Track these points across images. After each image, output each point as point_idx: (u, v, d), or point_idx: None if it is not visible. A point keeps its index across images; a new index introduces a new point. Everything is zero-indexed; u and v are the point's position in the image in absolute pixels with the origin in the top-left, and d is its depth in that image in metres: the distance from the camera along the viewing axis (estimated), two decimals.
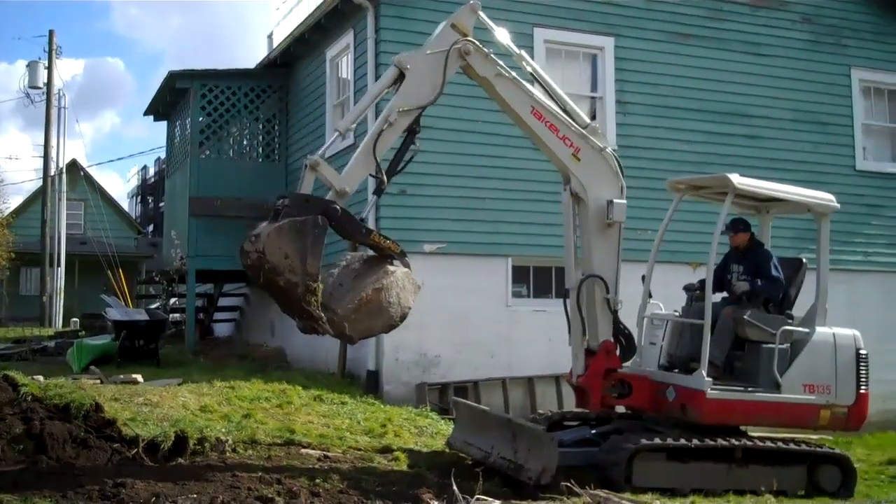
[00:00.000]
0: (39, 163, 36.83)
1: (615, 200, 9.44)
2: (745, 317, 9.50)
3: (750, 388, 9.32)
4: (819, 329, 9.69)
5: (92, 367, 14.04)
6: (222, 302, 21.35)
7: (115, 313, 16.89)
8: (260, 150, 19.50)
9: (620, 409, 10.09)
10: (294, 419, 10.76)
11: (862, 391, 9.65)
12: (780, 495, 8.83)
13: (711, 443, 8.89)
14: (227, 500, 6.78)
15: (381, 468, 9.02)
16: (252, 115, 19.06)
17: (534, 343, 14.24)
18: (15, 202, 50.50)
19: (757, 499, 8.94)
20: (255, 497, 6.98)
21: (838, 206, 10.10)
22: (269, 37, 21.54)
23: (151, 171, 51.14)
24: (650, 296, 10.45)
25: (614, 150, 9.74)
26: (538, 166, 14.46)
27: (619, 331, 9.60)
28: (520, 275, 14.95)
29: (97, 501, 6.69)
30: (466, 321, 13.98)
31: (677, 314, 10.26)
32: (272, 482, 7.63)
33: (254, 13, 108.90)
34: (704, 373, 9.08)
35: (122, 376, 12.46)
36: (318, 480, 7.96)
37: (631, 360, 9.91)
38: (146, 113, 23.19)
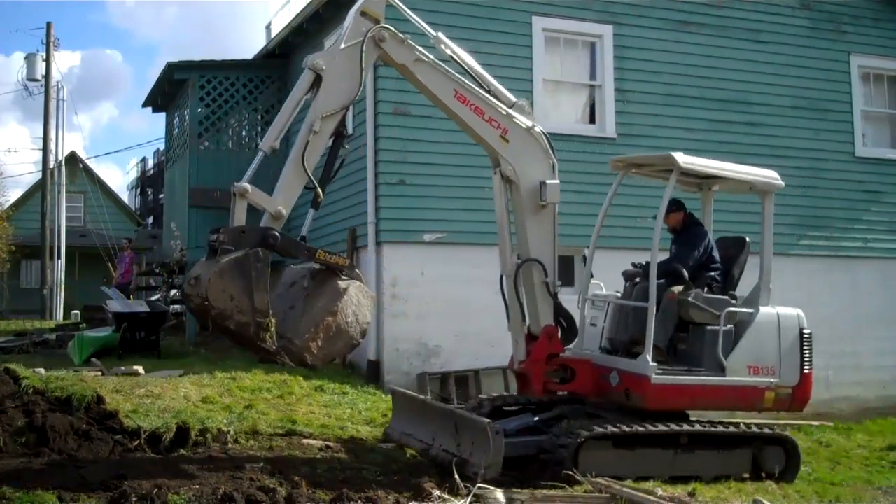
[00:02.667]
0: (38, 155, 36.82)
1: (548, 181, 9.20)
2: (689, 299, 9.34)
3: (695, 372, 9.20)
4: (763, 309, 9.55)
5: (93, 360, 14.04)
6: None
7: (115, 305, 16.89)
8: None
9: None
10: (295, 410, 10.79)
11: (805, 371, 9.53)
12: (725, 479, 8.88)
13: (664, 428, 8.78)
14: (230, 490, 6.80)
15: (383, 458, 9.04)
16: (251, 106, 19.04)
17: None
18: (14, 195, 50.47)
19: (759, 484, 9.00)
20: (258, 487, 7.00)
21: (782, 184, 9.96)
22: (268, 27, 21.49)
23: (151, 163, 51.15)
24: (591, 276, 10.34)
25: (543, 130, 9.44)
26: None
27: (561, 314, 9.43)
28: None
29: (99, 493, 6.72)
30: (466, 311, 13.96)
31: (619, 295, 10.14)
32: (274, 473, 7.67)
33: (251, 4, 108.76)
34: (649, 357, 8.93)
35: (123, 368, 12.48)
36: (319, 470, 7.99)
37: (575, 343, 9.80)
38: (145, 104, 23.17)
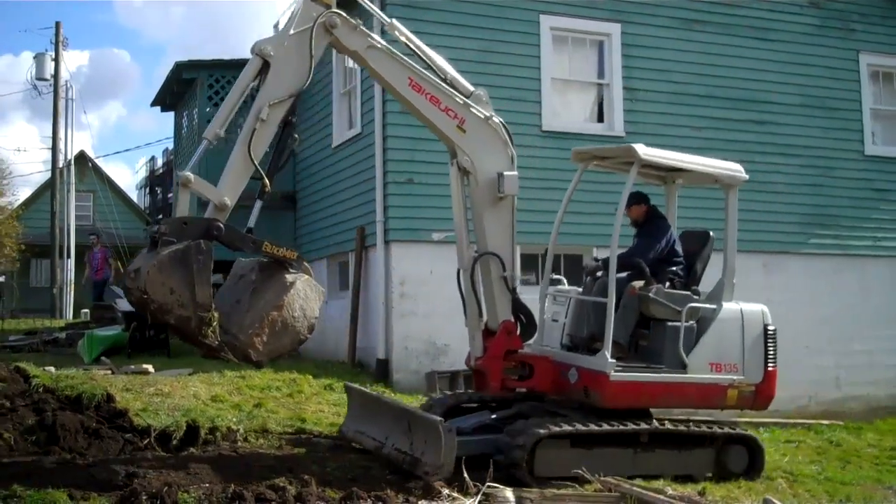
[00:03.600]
0: (47, 154, 36.94)
1: (506, 172, 8.98)
2: (649, 294, 9.08)
3: (655, 369, 8.96)
4: (726, 305, 9.31)
5: (103, 358, 14.08)
6: None
7: (124, 304, 16.91)
8: None
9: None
10: (305, 408, 10.81)
11: (770, 368, 9.28)
12: (686, 479, 8.70)
13: (620, 427, 8.54)
14: (240, 489, 6.80)
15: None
16: None
17: None
18: (24, 194, 50.64)
19: (769, 483, 9.00)
20: (267, 486, 7.01)
21: (746, 177, 9.68)
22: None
23: (160, 162, 51.14)
24: (552, 272, 10.14)
25: (501, 120, 9.17)
26: (547, 154, 14.51)
27: (519, 310, 9.18)
28: (528, 263, 14.94)
29: (109, 491, 6.72)
30: None
31: (580, 291, 9.92)
32: (284, 471, 7.67)
33: (258, 3, 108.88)
34: (608, 353, 8.64)
35: (133, 367, 12.51)
36: (329, 469, 8.00)
37: (532, 339, 9.55)
38: (153, 104, 23.25)
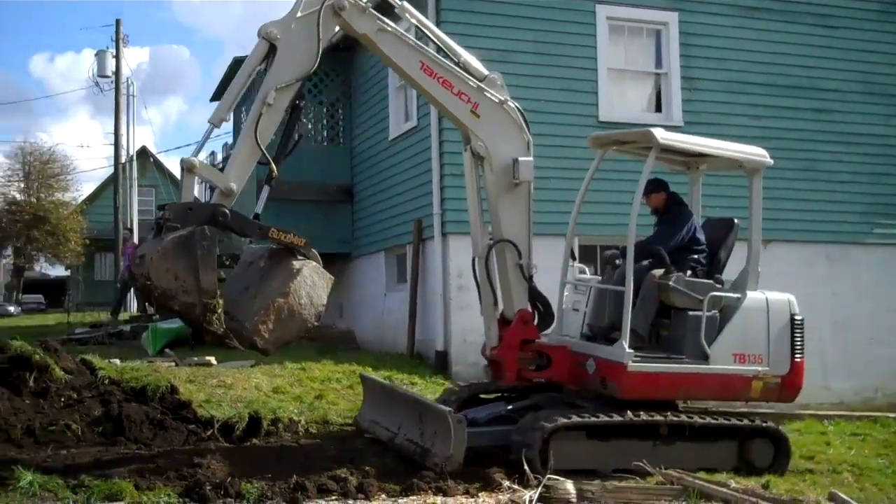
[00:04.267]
0: (110, 150, 37.64)
1: (520, 158, 8.73)
2: (669, 283, 8.82)
3: (675, 359, 8.73)
4: (751, 294, 9.00)
5: (167, 350, 14.29)
6: None
7: None
8: (325, 133, 19.64)
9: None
10: None
11: (797, 359, 9.00)
12: (710, 472, 8.36)
13: (633, 418, 8.26)
14: (301, 480, 6.89)
15: None
16: (315, 100, 19.17)
17: None
18: (87, 189, 51.58)
19: (835, 476, 8.86)
20: (329, 477, 7.08)
21: (771, 161, 9.31)
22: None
23: (219, 157, 51.74)
24: (574, 258, 9.93)
25: (517, 105, 8.92)
26: None
27: (536, 298, 8.98)
28: (586, 254, 14.87)
29: (174, 482, 6.85)
30: None
31: (600, 279, 9.75)
32: (345, 462, 7.74)
33: None
34: (625, 344, 8.40)
35: (195, 359, 12.67)
36: (389, 460, 8.05)
37: (551, 329, 9.34)
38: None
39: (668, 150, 9.19)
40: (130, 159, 35.99)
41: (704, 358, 8.66)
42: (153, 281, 6.99)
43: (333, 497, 6.81)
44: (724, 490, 7.19)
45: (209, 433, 8.94)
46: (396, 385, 9.62)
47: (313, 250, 7.91)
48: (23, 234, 44.37)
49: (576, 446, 8.09)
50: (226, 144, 46.28)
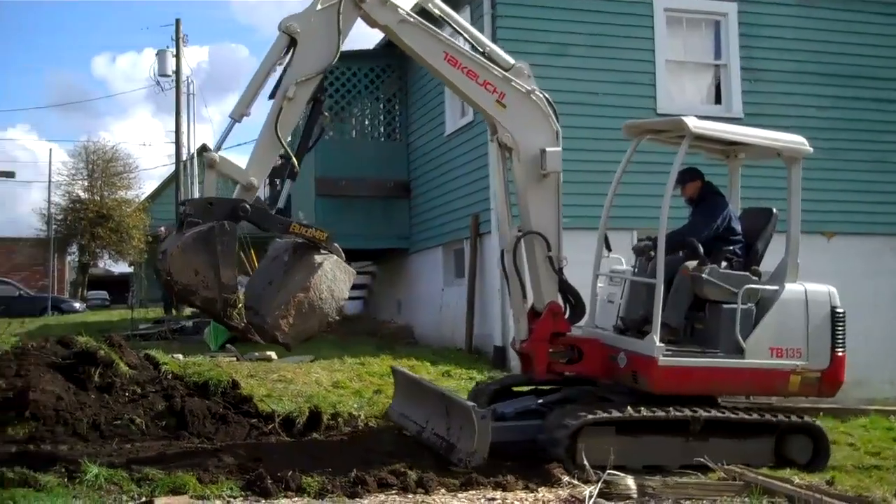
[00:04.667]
0: (171, 148, 38.13)
1: (548, 149, 8.53)
2: (703, 275, 8.55)
3: (709, 354, 8.47)
4: (789, 286, 8.66)
5: (228, 346, 14.46)
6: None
7: None
8: (381, 129, 19.71)
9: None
10: None
11: (838, 353, 8.63)
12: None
13: (659, 413, 8.06)
14: (361, 474, 6.93)
15: None
16: (373, 96, 19.26)
17: None
18: (149, 187, 52.35)
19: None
20: (389, 471, 7.11)
21: (810, 150, 8.97)
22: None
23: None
24: (608, 249, 9.58)
25: (545, 95, 8.70)
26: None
27: (567, 291, 8.80)
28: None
29: (237, 475, 6.92)
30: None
31: (634, 270, 9.46)
32: (404, 456, 7.77)
33: None
34: (656, 338, 8.16)
35: (256, 354, 12.80)
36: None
37: (584, 321, 9.13)
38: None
39: (701, 139, 8.98)
40: (191, 157, 36.43)
41: (739, 352, 8.42)
42: (173, 276, 7.03)
43: (393, 491, 6.84)
44: (788, 486, 7.09)
45: (270, 427, 9.03)
46: (424, 378, 9.51)
47: (336, 244, 7.89)
48: (87, 232, 45.25)
49: (605, 442, 7.86)
50: None
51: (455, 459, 7.58)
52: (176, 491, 6.42)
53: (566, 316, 8.79)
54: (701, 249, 8.69)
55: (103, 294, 50.23)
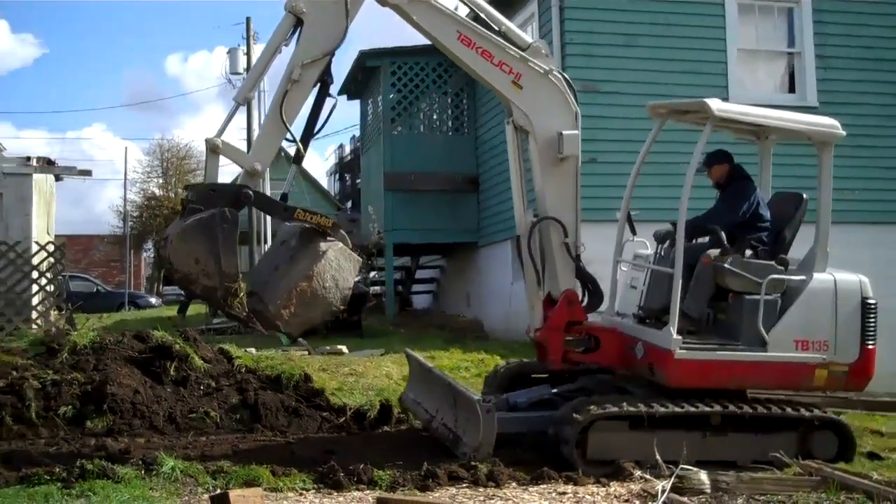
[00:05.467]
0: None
1: (565, 132, 8.19)
2: (725, 264, 8.13)
3: (730, 346, 8.06)
4: (817, 276, 8.21)
5: (300, 340, 14.56)
6: (419, 274, 21.82)
7: None
8: (449, 123, 19.72)
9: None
10: None
11: (869, 346, 8.15)
12: (766, 465, 7.74)
13: (675, 409, 7.70)
14: (432, 467, 6.94)
15: None
16: (440, 90, 19.29)
17: None
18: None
19: None
20: (460, 465, 7.11)
21: (843, 133, 8.40)
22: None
23: (347, 149, 52.65)
24: (633, 232, 9.19)
25: (562, 73, 8.39)
26: None
27: (584, 278, 8.50)
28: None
29: (309, 468, 6.99)
30: None
31: (656, 257, 9.04)
32: None
33: None
34: (673, 330, 7.80)
35: (328, 347, 12.92)
36: (519, 449, 8.01)
37: (604, 308, 8.83)
38: (339, 92, 23.80)
39: (726, 122, 8.53)
40: None
41: (762, 344, 8.02)
42: (173, 264, 6.96)
43: (464, 484, 6.85)
44: (867, 482, 6.92)
45: (342, 420, 9.11)
46: (434, 367, 9.25)
47: (342, 231, 7.72)
48: (162, 229, 46.03)
49: (617, 437, 7.65)
50: (353, 137, 46.80)
51: (460, 453, 7.44)
52: (250, 483, 6.50)
53: (583, 304, 8.50)
54: (724, 237, 8.30)
55: (178, 289, 51.07)
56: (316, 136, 7.98)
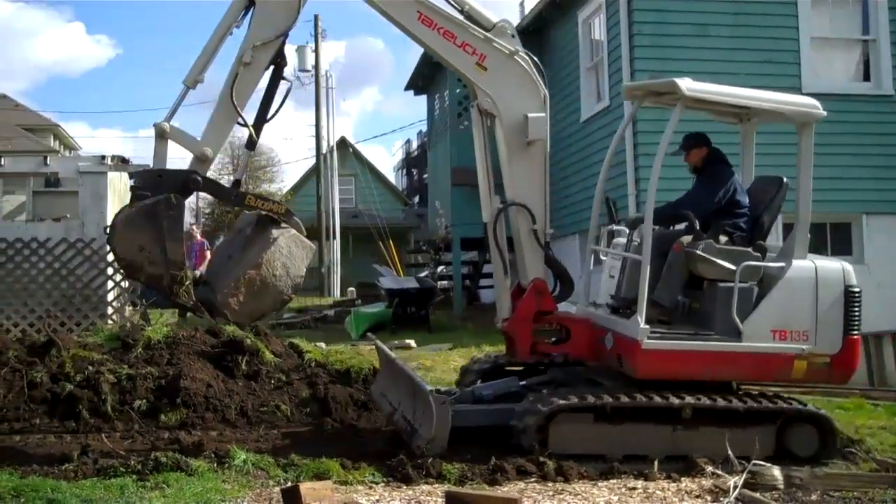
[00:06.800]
0: (312, 142, 38.91)
1: (530, 114, 7.90)
2: (697, 251, 7.78)
3: (701, 336, 7.70)
4: (797, 263, 7.80)
5: (369, 334, 14.69)
6: (487, 268, 21.78)
7: (387, 282, 17.65)
8: None
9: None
10: None
11: (853, 336, 7.76)
12: (741, 461, 7.26)
13: (639, 401, 7.34)
14: (500, 462, 6.92)
15: None
16: None
17: None
18: (291, 180, 53.63)
19: None
20: (528, 459, 7.06)
21: (823, 113, 7.92)
22: (521, 4, 21.66)
23: (414, 144, 52.85)
24: (612, 218, 8.79)
25: (529, 55, 8.08)
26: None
27: (553, 267, 8.24)
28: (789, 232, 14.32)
29: (378, 461, 7.02)
30: None
31: (629, 245, 8.62)
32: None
33: None
34: (641, 319, 7.42)
35: (396, 342, 13.01)
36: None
37: (580, 299, 8.52)
38: (406, 88, 23.96)
39: (698, 102, 8.14)
40: (331, 150, 37.15)
41: (737, 335, 7.62)
42: (117, 252, 6.89)
43: (532, 479, 6.83)
44: None
45: None
46: (397, 359, 8.91)
47: (295, 218, 7.59)
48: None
49: (581, 430, 7.38)
50: (420, 132, 46.90)
51: (415, 446, 7.21)
52: (320, 476, 6.56)
53: (553, 294, 8.25)
54: (697, 223, 7.94)
55: None
56: (269, 121, 7.76)
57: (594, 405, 7.32)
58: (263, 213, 7.47)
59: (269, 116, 7.70)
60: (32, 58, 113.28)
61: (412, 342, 12.98)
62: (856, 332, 7.81)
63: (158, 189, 6.96)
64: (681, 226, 8.16)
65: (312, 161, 40.31)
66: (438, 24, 7.77)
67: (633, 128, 14.00)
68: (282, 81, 7.63)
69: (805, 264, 7.85)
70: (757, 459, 7.17)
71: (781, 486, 6.69)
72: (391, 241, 27.77)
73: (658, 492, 6.62)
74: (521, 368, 8.65)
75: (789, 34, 14.40)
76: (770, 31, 14.38)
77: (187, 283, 7.00)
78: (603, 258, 8.93)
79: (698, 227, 7.90)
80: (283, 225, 7.45)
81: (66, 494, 5.91)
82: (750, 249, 7.94)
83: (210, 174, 7.56)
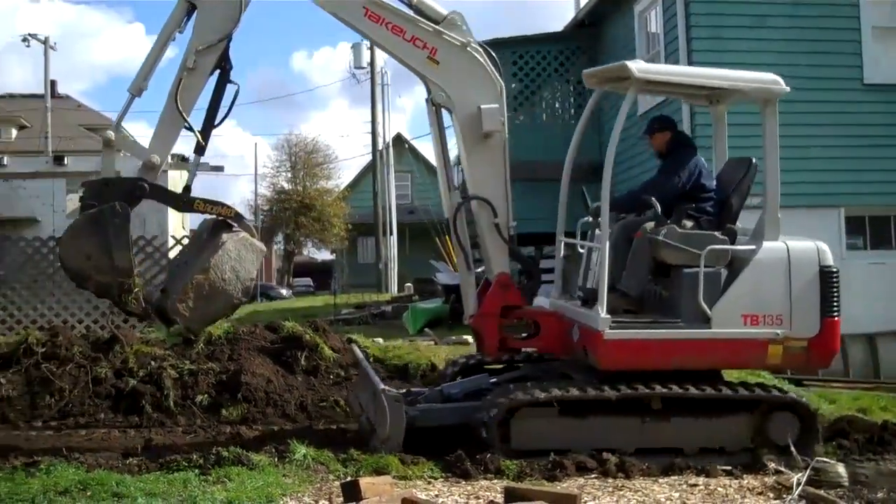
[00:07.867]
0: (368, 139, 39.13)
1: (483, 106, 7.78)
2: (659, 237, 7.54)
3: (667, 324, 7.48)
4: (767, 245, 7.49)
5: (426, 330, 14.75)
6: (544, 264, 21.63)
7: (444, 278, 17.66)
8: (572, 111, 19.52)
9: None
10: None
11: (834, 318, 7.45)
12: (719, 452, 7.21)
13: (610, 392, 7.16)
14: (559, 458, 6.90)
15: None
16: (563, 78, 19.12)
17: (872, 298, 13.32)
18: (348, 177, 53.99)
19: None
20: (589, 455, 7.04)
21: (786, 89, 7.63)
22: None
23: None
24: (587, 208, 8.48)
25: (483, 45, 7.93)
26: (870, 108, 13.58)
27: (519, 260, 8.14)
28: (854, 226, 14.08)
29: (437, 457, 7.01)
30: None
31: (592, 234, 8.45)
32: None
33: None
34: (601, 309, 7.19)
35: (453, 338, 12.99)
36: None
37: (553, 292, 8.37)
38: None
39: (650, 84, 7.96)
40: (387, 146, 37.32)
41: (705, 321, 7.35)
42: (64, 262, 6.89)
43: (592, 475, 6.79)
44: None
45: None
46: (363, 359, 8.79)
47: (245, 221, 7.53)
48: (291, 221, 47.27)
49: (545, 424, 7.22)
50: None
51: (371, 446, 7.22)
52: (379, 471, 6.59)
53: (521, 288, 8.11)
54: (659, 208, 7.69)
55: (307, 281, 52.32)
56: (217, 126, 7.65)
57: (553, 399, 7.16)
58: (212, 216, 7.46)
59: (216, 122, 7.60)
60: (94, 58, 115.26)
61: (469, 337, 12.96)
62: (835, 314, 7.51)
63: (104, 198, 6.95)
64: (648, 213, 7.91)
65: (369, 158, 40.54)
66: (386, 20, 7.64)
67: (690, 121, 13.87)
68: (229, 85, 7.53)
69: (776, 245, 7.56)
70: (733, 450, 7.17)
71: (846, 484, 6.59)
72: (448, 237, 27.75)
73: (720, 489, 6.56)
74: (501, 367, 8.55)
75: (850, 24, 14.13)
76: (829, 22, 14.13)
77: (136, 290, 7.00)
78: (581, 250, 8.78)
79: (661, 213, 7.69)
80: (235, 228, 7.39)
81: (131, 488, 6.02)
82: (717, 233, 7.70)
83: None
